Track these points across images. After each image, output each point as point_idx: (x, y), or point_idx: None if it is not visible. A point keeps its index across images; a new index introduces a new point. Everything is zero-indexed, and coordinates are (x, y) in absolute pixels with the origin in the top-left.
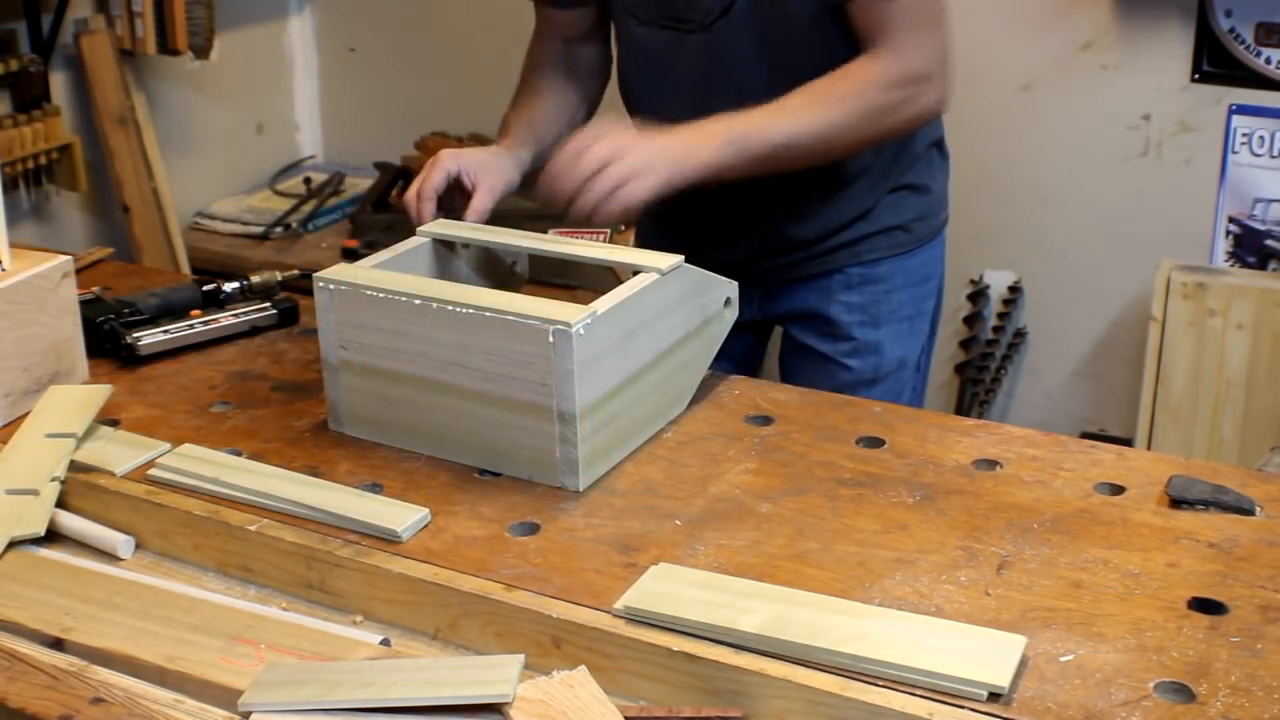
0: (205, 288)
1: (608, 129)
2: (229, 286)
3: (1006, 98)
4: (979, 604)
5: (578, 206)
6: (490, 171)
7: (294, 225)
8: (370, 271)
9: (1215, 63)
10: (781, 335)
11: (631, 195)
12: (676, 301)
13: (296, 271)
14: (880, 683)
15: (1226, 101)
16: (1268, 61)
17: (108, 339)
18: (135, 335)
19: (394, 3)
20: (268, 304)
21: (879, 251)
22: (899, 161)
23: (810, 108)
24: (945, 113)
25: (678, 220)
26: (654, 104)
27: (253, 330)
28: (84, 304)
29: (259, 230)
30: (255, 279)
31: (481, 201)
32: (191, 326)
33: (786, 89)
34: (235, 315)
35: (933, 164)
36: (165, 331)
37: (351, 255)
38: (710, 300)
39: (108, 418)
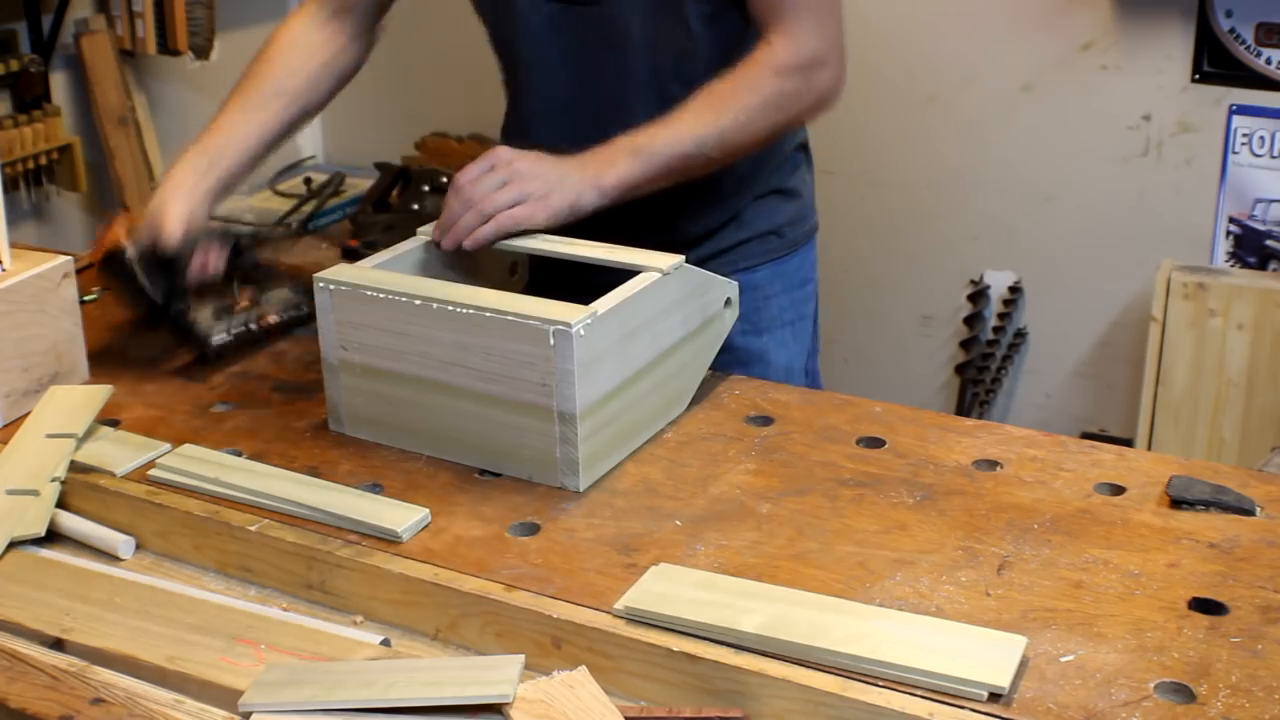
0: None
1: (509, 153)
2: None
3: (1006, 98)
4: (979, 604)
5: (456, 228)
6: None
7: (294, 225)
8: (370, 271)
9: (1215, 63)
10: None
11: (525, 219)
12: (677, 302)
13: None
14: (880, 683)
15: (1227, 102)
16: (1268, 62)
17: (175, 326)
18: (207, 334)
19: (394, 3)
20: (303, 304)
21: (754, 258)
22: (765, 164)
23: (709, 110)
24: (841, 98)
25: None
26: (538, 81)
27: (289, 325)
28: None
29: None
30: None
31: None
32: (247, 327)
33: (673, 69)
34: (279, 314)
35: (799, 167)
36: (227, 333)
37: (352, 255)
38: (711, 301)
39: (108, 418)
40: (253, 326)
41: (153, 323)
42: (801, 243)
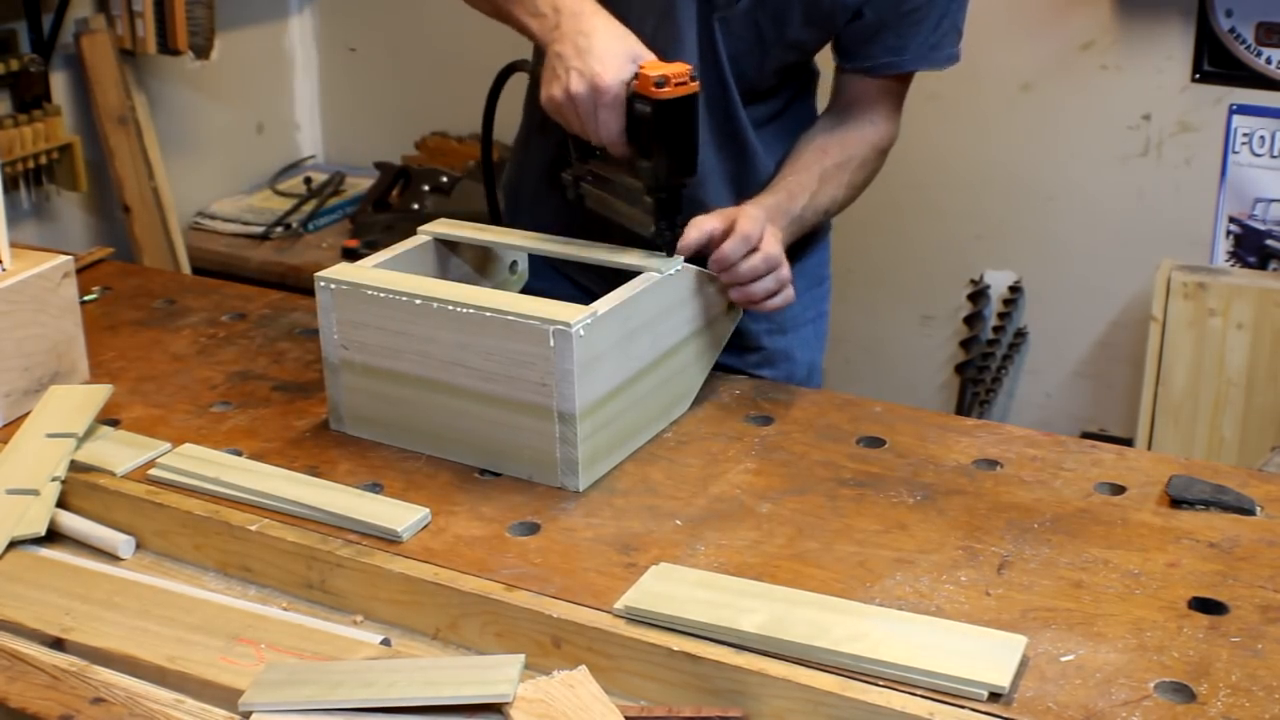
0: None
1: (751, 221)
2: None
3: (1006, 98)
4: (979, 604)
5: (758, 303)
6: None
7: (294, 225)
8: (371, 271)
9: (1215, 63)
10: None
11: (790, 296)
12: (679, 302)
13: None
14: (880, 683)
15: (1227, 101)
16: (1268, 61)
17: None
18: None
19: (394, 3)
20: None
21: None
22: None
23: (833, 182)
24: None
25: (587, 227)
26: None
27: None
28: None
29: (259, 230)
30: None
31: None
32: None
33: (721, 81)
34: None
35: None
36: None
37: (352, 255)
38: (713, 301)
39: (108, 418)
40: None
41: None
42: (819, 239)
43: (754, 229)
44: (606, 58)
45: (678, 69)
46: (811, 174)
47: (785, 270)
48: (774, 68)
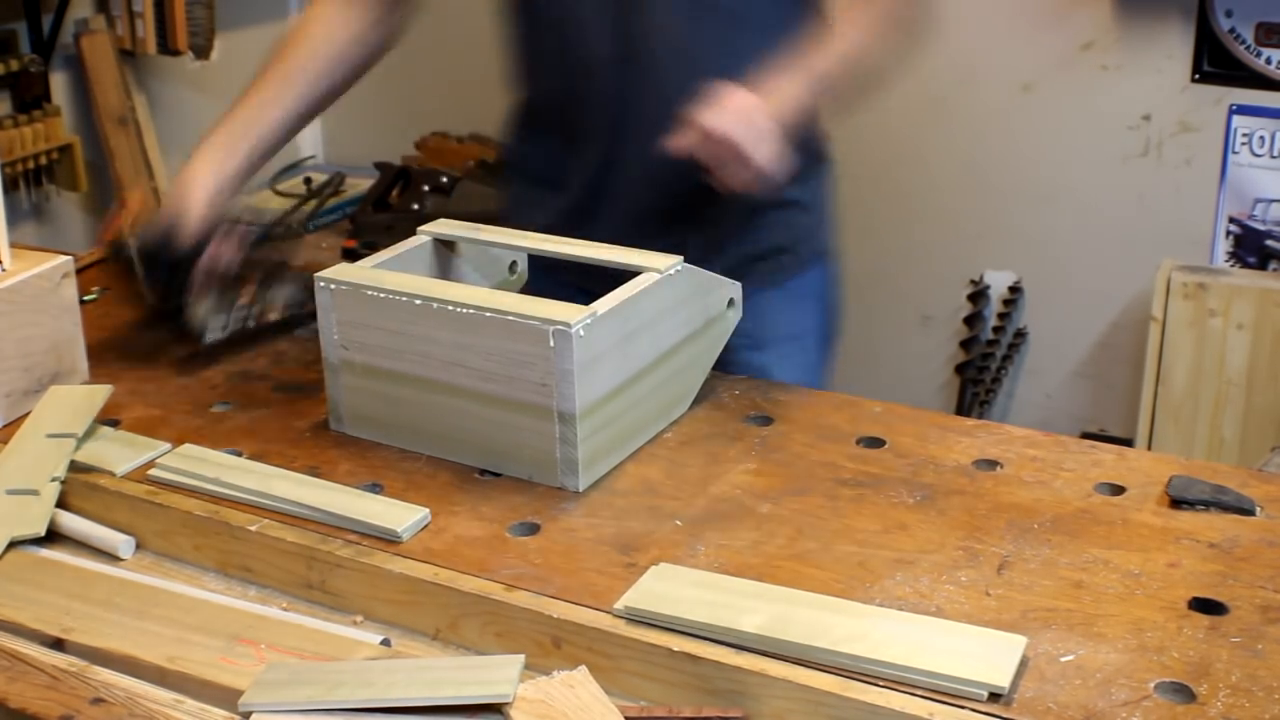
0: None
1: (734, 95)
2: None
3: (1006, 98)
4: (979, 604)
5: (747, 171)
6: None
7: (294, 225)
8: (371, 271)
9: (1215, 63)
10: None
11: (784, 162)
12: (678, 302)
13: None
14: (880, 683)
15: (1227, 101)
16: (1268, 61)
17: (170, 319)
18: (202, 325)
19: None
20: (306, 304)
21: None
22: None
23: (852, 30)
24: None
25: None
26: (573, 38)
27: (288, 323)
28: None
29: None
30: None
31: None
32: (245, 324)
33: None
34: (280, 311)
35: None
36: (224, 328)
37: (352, 255)
38: (713, 301)
39: (108, 418)
40: (251, 323)
41: (152, 316)
42: (806, 263)
43: (740, 102)
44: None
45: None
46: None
47: (761, 119)
48: None
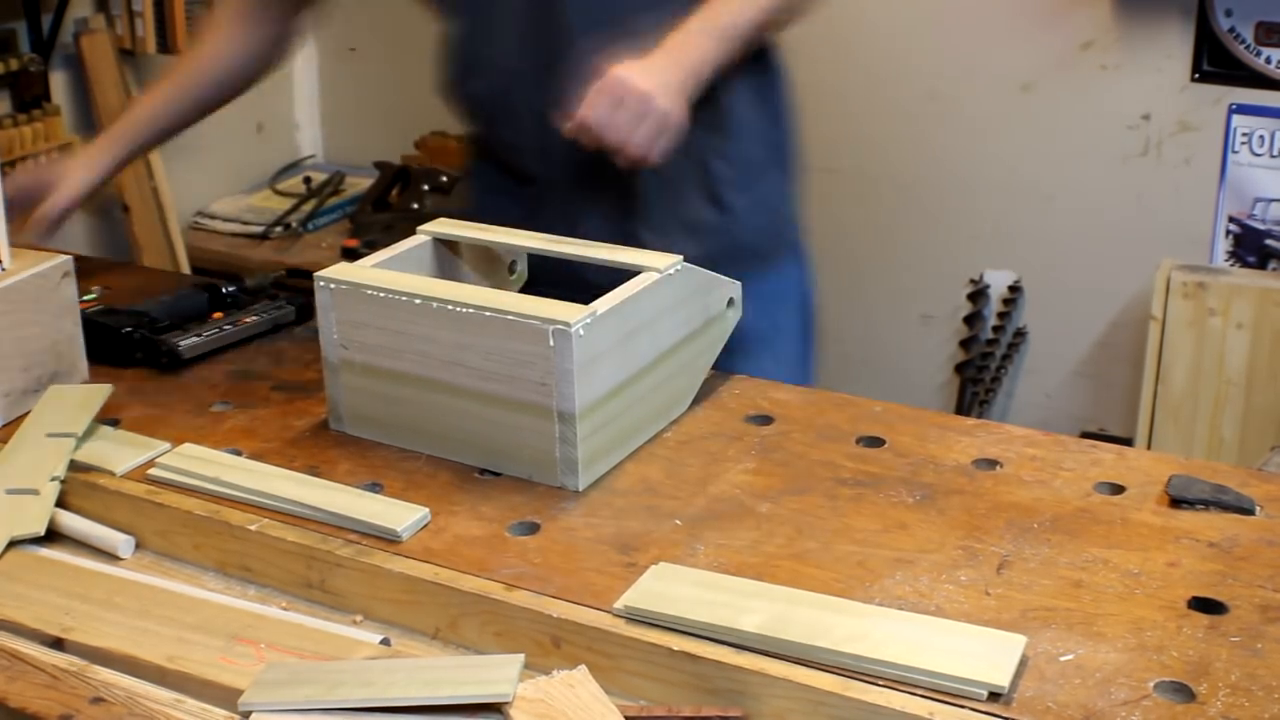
0: (205, 290)
1: (619, 68)
2: (227, 289)
3: (1006, 98)
4: (979, 603)
5: (630, 152)
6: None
7: (294, 225)
8: (371, 271)
9: (1215, 62)
10: None
11: (676, 123)
12: (678, 301)
13: (284, 271)
14: (880, 683)
15: (1226, 101)
16: (1268, 61)
17: (139, 347)
18: (175, 340)
19: (394, 3)
20: (285, 303)
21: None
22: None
23: None
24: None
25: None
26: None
27: (275, 328)
28: (103, 314)
29: (259, 230)
30: (249, 282)
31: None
32: (221, 328)
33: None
34: (259, 314)
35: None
36: (199, 335)
37: (351, 255)
38: (713, 300)
39: (108, 417)
40: (227, 327)
41: (125, 345)
42: (778, 256)
43: (610, 85)
44: None
45: None
46: None
47: (658, 108)
48: None
